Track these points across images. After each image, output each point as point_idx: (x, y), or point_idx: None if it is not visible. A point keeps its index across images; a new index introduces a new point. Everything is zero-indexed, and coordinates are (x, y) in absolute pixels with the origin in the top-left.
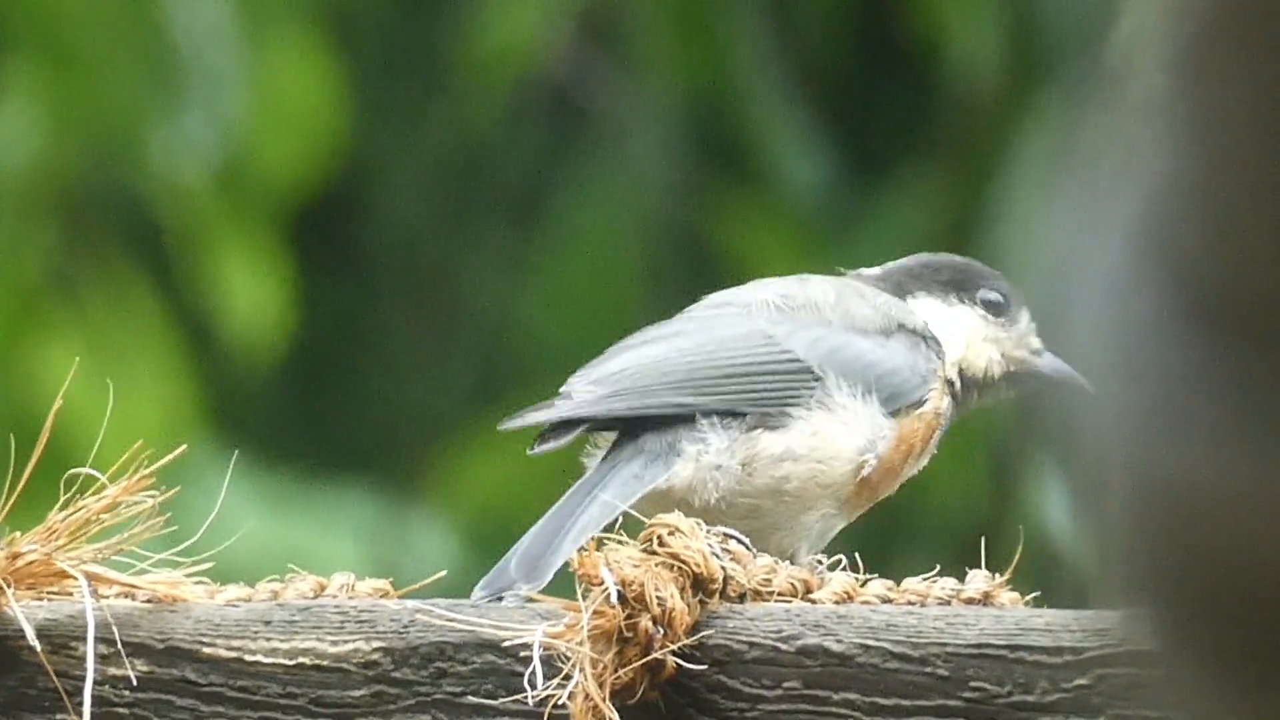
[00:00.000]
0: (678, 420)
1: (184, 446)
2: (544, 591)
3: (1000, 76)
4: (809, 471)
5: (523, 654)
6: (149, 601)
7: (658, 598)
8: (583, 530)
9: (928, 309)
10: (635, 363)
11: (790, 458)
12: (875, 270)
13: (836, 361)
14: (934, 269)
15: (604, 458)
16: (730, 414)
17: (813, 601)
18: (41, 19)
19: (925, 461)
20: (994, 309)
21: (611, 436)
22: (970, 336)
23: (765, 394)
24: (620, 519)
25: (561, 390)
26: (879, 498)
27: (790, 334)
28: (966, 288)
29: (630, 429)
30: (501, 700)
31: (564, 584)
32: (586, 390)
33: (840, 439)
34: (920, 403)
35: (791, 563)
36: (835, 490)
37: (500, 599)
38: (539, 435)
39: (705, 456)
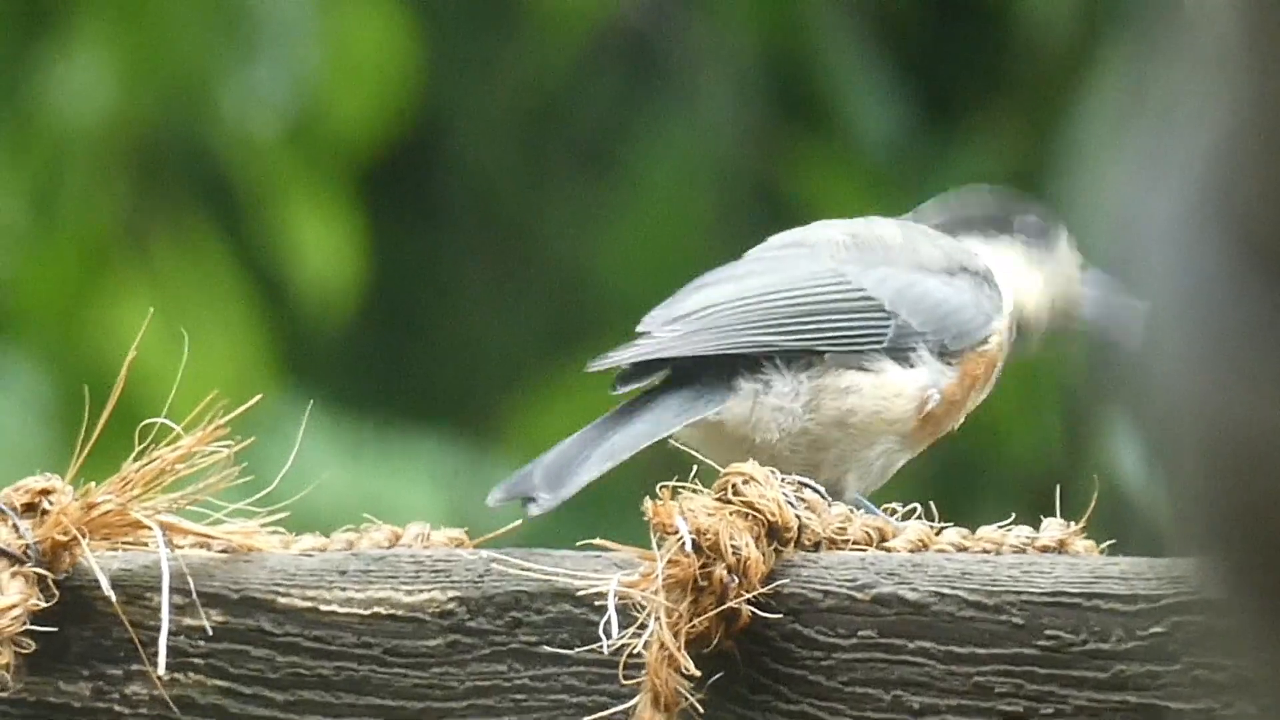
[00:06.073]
0: (739, 358)
1: (259, 396)
2: (621, 541)
3: (1072, 25)
4: (873, 406)
5: (598, 603)
6: (224, 551)
7: (732, 546)
8: (614, 449)
9: (973, 248)
10: (712, 301)
11: (855, 391)
12: (927, 214)
13: (906, 299)
14: (971, 207)
15: (655, 388)
16: (799, 355)
17: (887, 550)
18: None
19: (985, 395)
20: (1033, 237)
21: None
22: (1016, 268)
23: (841, 332)
24: (693, 469)
25: (639, 329)
26: (942, 432)
27: (860, 272)
28: (1003, 221)
29: (688, 366)
30: (577, 650)
31: (638, 533)
32: (667, 330)
33: (904, 374)
34: (984, 340)
35: (839, 497)
36: (900, 425)
37: (525, 504)
38: (620, 375)
39: (765, 397)
